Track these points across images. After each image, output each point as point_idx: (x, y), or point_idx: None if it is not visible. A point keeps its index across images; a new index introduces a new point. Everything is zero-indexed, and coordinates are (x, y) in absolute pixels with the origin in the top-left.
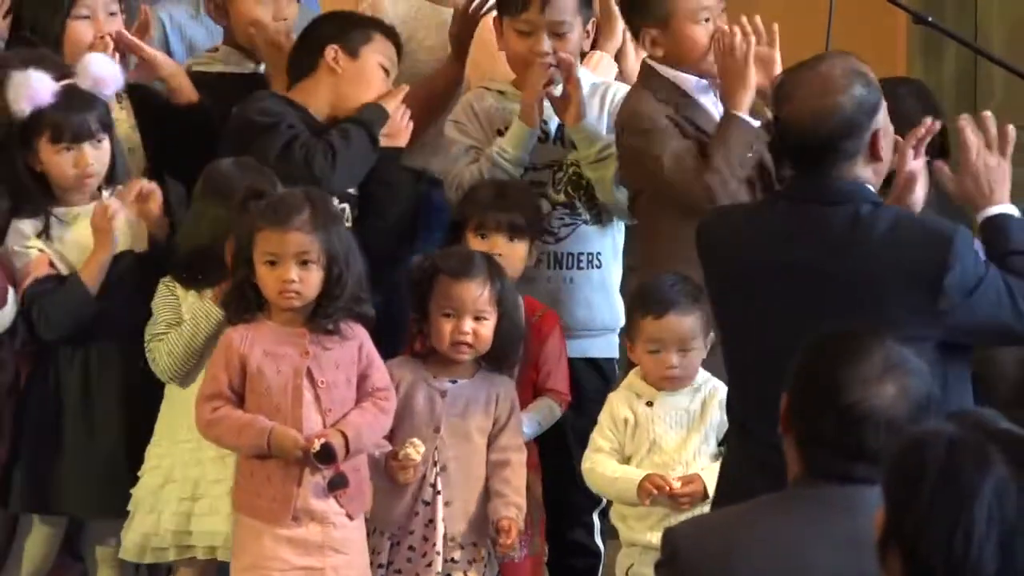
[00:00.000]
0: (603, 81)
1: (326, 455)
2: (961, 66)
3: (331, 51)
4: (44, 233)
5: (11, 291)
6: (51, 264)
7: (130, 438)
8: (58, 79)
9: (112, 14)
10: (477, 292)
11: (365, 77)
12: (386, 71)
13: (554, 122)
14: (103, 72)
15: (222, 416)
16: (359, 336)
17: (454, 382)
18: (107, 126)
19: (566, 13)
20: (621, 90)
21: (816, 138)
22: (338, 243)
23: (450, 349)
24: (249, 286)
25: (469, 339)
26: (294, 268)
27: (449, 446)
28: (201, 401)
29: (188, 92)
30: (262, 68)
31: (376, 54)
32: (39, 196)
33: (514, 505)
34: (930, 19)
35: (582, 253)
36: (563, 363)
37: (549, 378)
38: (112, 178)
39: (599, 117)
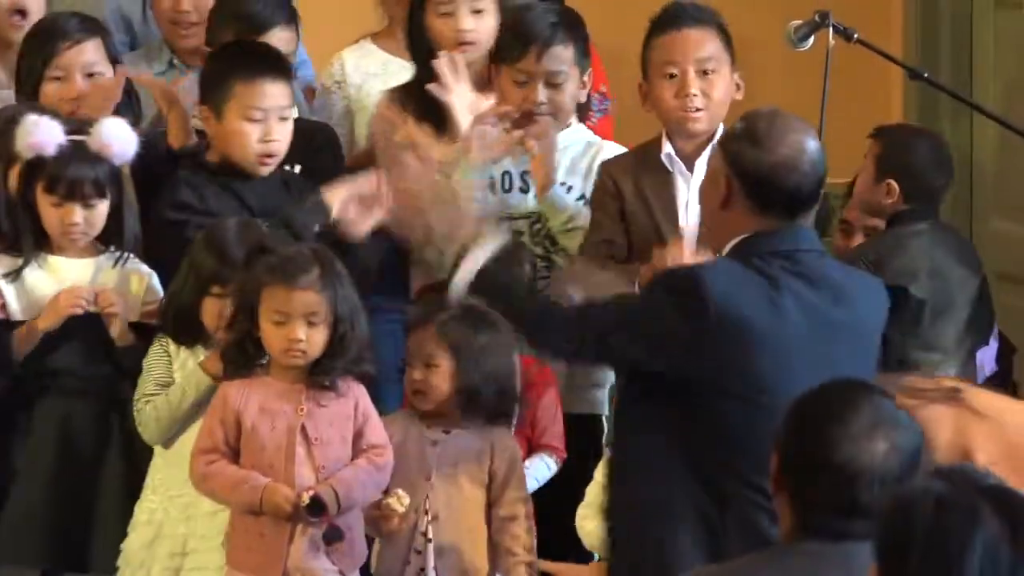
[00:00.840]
0: (599, 142)
1: (316, 507)
2: (956, 122)
3: (202, 111)
4: (16, 272)
5: None
6: (3, 307)
7: (64, 489)
8: (71, 133)
9: (92, 75)
10: (425, 340)
11: (232, 138)
12: (257, 119)
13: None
14: (114, 139)
15: (217, 471)
16: (355, 393)
17: (447, 432)
18: (102, 191)
19: (563, 63)
20: (609, 152)
21: (819, 179)
22: (345, 303)
23: (412, 397)
24: (251, 341)
25: (420, 387)
26: (302, 327)
27: (440, 495)
28: (196, 454)
29: (182, 128)
30: None
31: (240, 109)
32: (32, 236)
33: (524, 564)
34: (926, 75)
35: None
36: (558, 418)
37: (544, 434)
38: (120, 241)
39: (585, 178)
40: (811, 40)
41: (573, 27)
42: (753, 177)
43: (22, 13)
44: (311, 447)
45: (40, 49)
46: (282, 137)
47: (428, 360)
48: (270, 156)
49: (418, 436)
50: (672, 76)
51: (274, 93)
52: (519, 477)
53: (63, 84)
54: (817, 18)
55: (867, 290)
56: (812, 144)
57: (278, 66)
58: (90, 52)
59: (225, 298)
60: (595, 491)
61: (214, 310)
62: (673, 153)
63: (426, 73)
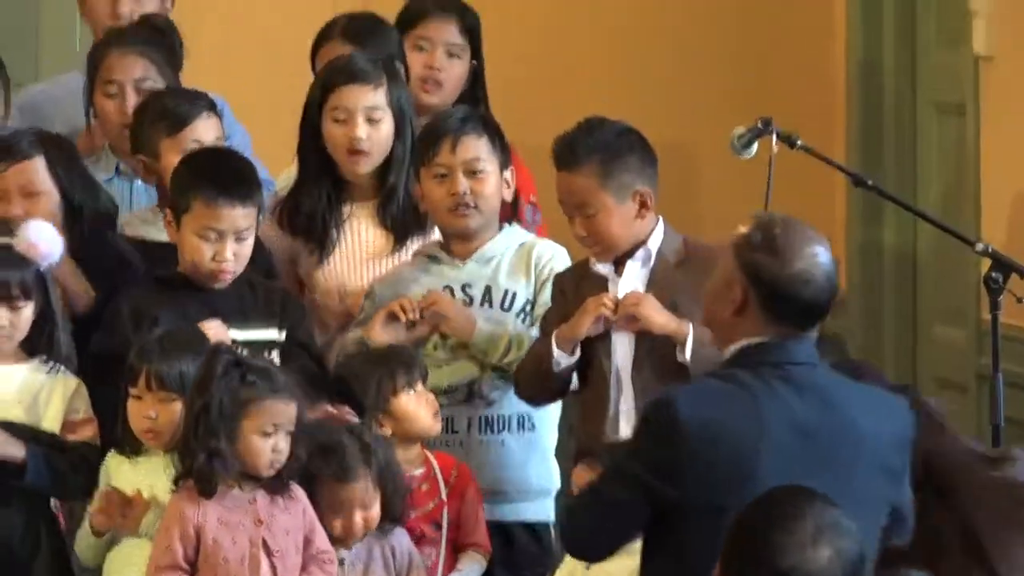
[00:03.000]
0: (532, 239)
1: None
2: (900, 228)
3: (166, 214)
4: None
5: None
6: None
7: None
8: None
9: (32, 195)
10: (361, 491)
11: (186, 250)
12: (211, 239)
13: (479, 286)
14: (40, 241)
15: None
16: (301, 499)
17: (349, 549)
18: (28, 293)
19: (479, 151)
20: (545, 249)
21: (834, 292)
22: (304, 411)
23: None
24: (220, 458)
25: (356, 532)
26: (283, 438)
27: None
28: (154, 572)
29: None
30: None
31: (196, 226)
32: None
33: None
34: (870, 182)
35: (513, 415)
36: (481, 517)
37: (471, 534)
38: (51, 350)
39: (527, 283)
40: (755, 147)
41: (486, 123)
42: (771, 289)
43: None
44: (273, 560)
45: None
46: (237, 256)
47: (364, 503)
48: (223, 272)
49: None
50: (571, 217)
51: (232, 216)
52: (417, 567)
53: (2, 204)
54: (760, 125)
55: (874, 404)
56: (827, 256)
57: (242, 189)
58: (32, 171)
59: (141, 399)
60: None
61: (134, 412)
62: (599, 264)
63: (307, 177)
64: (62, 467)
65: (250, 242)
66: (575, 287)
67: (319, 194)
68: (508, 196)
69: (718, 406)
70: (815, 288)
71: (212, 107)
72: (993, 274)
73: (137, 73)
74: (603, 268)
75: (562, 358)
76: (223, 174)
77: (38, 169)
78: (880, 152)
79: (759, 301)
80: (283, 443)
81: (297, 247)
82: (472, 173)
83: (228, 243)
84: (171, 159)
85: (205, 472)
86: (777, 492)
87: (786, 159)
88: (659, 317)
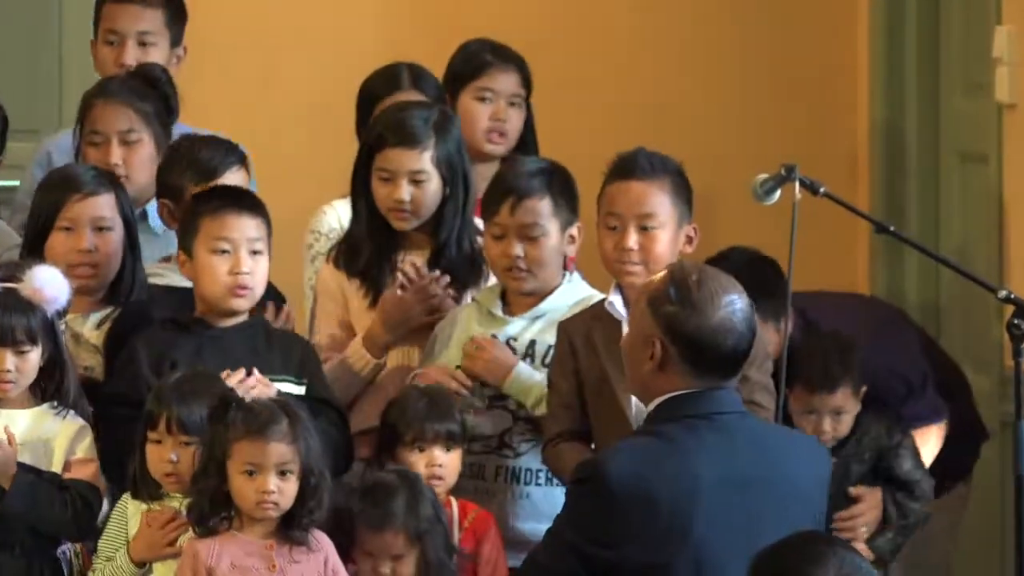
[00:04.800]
0: (587, 297)
1: None
2: (923, 275)
3: (179, 258)
4: None
5: None
6: None
7: None
8: (2, 280)
9: (102, 229)
10: (392, 542)
11: (202, 274)
12: (224, 249)
13: (523, 341)
14: (45, 286)
15: None
16: (324, 548)
17: None
18: (34, 338)
19: (538, 216)
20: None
21: (753, 336)
22: (312, 453)
23: None
24: (220, 495)
25: None
26: (273, 479)
27: None
28: None
29: None
30: None
31: (207, 242)
32: None
33: None
34: (892, 228)
35: (541, 470)
36: (502, 563)
37: None
38: (59, 395)
39: None
40: (778, 194)
41: (553, 180)
42: (692, 343)
43: None
44: None
45: (50, 199)
46: (254, 271)
47: (397, 555)
48: (243, 288)
49: None
50: (613, 228)
51: (240, 225)
52: None
53: (71, 236)
54: (783, 172)
55: (797, 448)
56: (743, 302)
57: (246, 201)
58: (102, 207)
59: (161, 443)
60: None
61: (154, 456)
62: (617, 302)
63: (360, 226)
64: (44, 497)
65: (265, 263)
66: (584, 332)
67: (372, 244)
68: (572, 252)
69: (649, 464)
70: (736, 337)
71: (242, 160)
72: (1016, 320)
73: (121, 125)
74: (619, 311)
75: None
76: (225, 192)
77: (109, 204)
78: (903, 199)
79: (680, 356)
80: (273, 484)
81: (351, 290)
82: (528, 238)
83: (243, 255)
84: None
85: (197, 509)
86: (794, 539)
87: (809, 206)
88: None
